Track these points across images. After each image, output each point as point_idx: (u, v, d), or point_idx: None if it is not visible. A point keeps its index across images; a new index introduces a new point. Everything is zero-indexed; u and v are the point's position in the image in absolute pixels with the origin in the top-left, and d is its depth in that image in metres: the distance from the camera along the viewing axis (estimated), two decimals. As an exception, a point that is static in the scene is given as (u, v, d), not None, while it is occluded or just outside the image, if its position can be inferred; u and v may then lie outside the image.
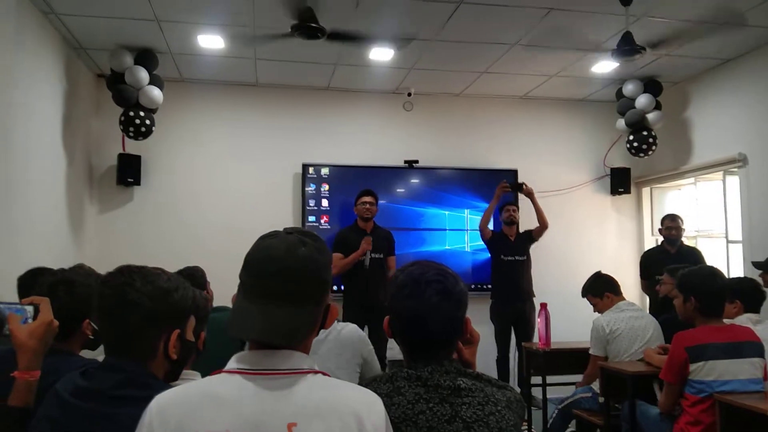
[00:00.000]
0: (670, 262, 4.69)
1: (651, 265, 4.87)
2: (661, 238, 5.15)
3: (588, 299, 4.08)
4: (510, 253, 5.25)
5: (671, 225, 4.91)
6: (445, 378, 1.36)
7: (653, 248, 5.21)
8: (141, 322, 1.32)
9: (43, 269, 2.63)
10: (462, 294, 1.45)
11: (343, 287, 4.85)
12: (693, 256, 4.83)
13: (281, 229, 1.23)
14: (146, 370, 1.33)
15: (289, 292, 1.13)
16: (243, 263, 1.18)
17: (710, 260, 5.37)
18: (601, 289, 4.00)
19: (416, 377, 1.36)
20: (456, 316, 1.43)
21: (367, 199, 4.87)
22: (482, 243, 5.46)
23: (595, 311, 4.02)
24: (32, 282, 2.61)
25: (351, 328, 2.23)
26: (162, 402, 1.10)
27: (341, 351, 2.16)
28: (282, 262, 1.14)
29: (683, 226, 4.95)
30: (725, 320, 3.05)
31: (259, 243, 1.19)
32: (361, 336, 2.24)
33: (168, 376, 1.40)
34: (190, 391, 1.12)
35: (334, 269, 4.72)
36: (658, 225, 5.27)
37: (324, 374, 1.16)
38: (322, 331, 2.13)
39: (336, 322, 2.26)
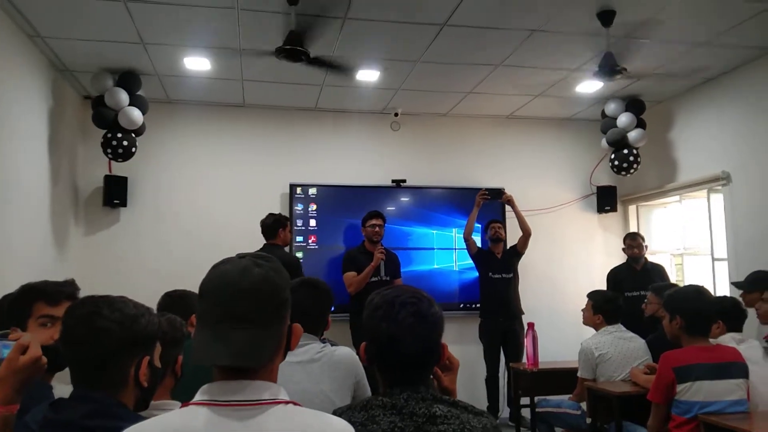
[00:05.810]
0: (637, 278, 4.90)
1: (618, 281, 5.03)
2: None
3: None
4: (497, 270, 5.27)
5: (632, 244, 5.10)
6: (420, 405, 1.35)
7: (619, 265, 5.28)
8: (112, 350, 1.31)
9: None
10: (436, 317, 1.45)
11: (349, 311, 4.80)
12: (657, 272, 5.03)
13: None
14: (116, 399, 1.31)
15: (248, 313, 1.12)
16: (198, 293, 1.17)
17: (696, 278, 5.41)
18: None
19: (391, 405, 1.35)
20: (431, 338, 1.43)
21: (377, 221, 4.89)
22: (471, 262, 5.47)
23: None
24: None
25: (344, 350, 2.23)
26: None
27: (335, 373, 2.15)
28: (238, 285, 1.13)
29: (645, 244, 5.12)
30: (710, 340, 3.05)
31: (212, 271, 1.18)
32: (354, 358, 2.24)
33: (138, 404, 1.38)
34: (158, 426, 1.11)
35: (350, 287, 4.74)
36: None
37: (295, 404, 1.14)
38: (317, 351, 2.15)
39: (329, 344, 2.25)
